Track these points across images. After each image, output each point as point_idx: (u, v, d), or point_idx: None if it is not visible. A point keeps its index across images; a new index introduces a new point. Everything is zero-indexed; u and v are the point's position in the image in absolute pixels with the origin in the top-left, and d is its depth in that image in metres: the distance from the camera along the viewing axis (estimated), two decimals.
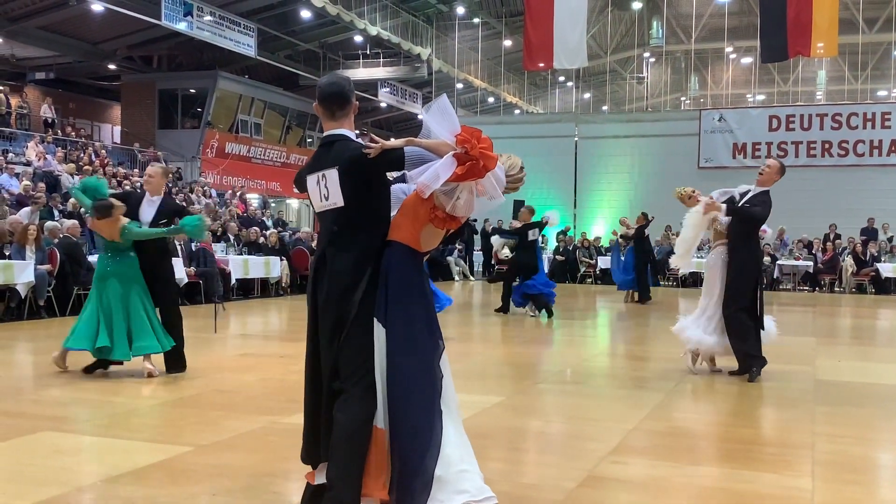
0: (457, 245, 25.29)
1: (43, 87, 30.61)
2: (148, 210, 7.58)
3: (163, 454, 4.78)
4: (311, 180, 3.59)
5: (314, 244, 17.00)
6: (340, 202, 3.48)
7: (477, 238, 26.61)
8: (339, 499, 3.38)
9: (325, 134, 3.63)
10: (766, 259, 21.81)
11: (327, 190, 3.51)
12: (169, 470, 4.50)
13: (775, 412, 6.30)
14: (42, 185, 17.60)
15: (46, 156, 21.35)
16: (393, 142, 3.46)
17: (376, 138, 3.46)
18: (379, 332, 3.45)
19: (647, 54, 37.27)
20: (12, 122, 25.54)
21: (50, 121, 26.89)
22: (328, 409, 3.49)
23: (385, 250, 3.52)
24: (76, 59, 28.54)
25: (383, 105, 34.47)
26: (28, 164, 20.67)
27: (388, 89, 33.88)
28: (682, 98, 41.55)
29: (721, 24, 31.24)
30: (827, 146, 25.79)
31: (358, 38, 30.89)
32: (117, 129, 31.97)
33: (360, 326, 3.45)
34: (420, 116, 3.30)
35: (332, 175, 3.48)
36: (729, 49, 34.36)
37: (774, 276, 22.15)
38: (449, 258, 24.90)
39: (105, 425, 5.57)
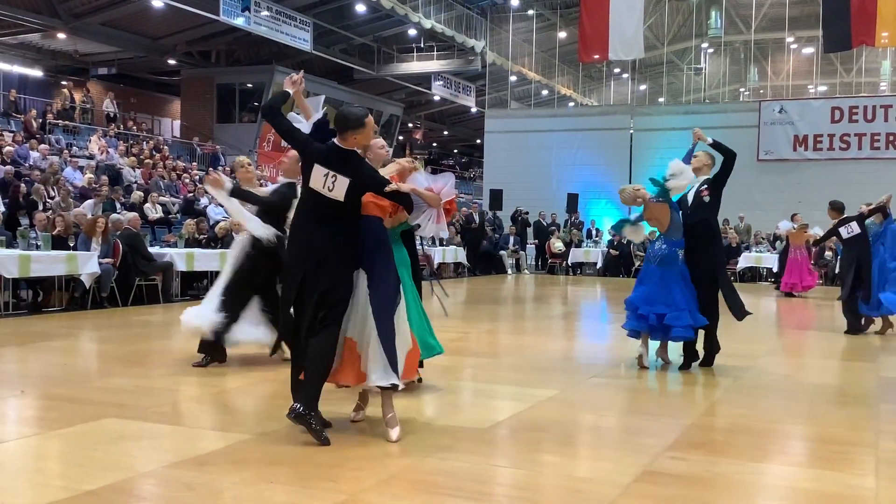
0: (511, 238, 25.25)
1: (105, 82, 31.36)
2: None
3: (223, 441, 4.87)
4: (320, 171, 4.73)
5: None
6: (341, 198, 4.72)
7: (530, 231, 26.51)
8: (306, 395, 4.72)
9: (340, 147, 4.78)
10: (828, 254, 21.31)
11: (333, 185, 4.71)
12: (229, 457, 4.57)
13: (838, 409, 6.17)
14: (105, 177, 18.03)
15: (109, 149, 21.87)
16: (402, 186, 4.90)
17: (395, 180, 4.98)
18: (361, 277, 4.85)
19: (705, 45, 36.58)
20: (76, 117, 26.21)
21: (112, 115, 27.52)
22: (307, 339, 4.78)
23: (361, 224, 4.90)
24: (137, 54, 29.15)
25: (436, 98, 34.53)
26: (91, 157, 21.19)
27: (441, 82, 33.91)
28: (742, 89, 40.71)
29: (782, 13, 30.52)
30: (891, 138, 25.10)
31: (412, 32, 30.97)
32: (177, 123, 32.59)
33: (348, 277, 4.81)
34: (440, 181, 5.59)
35: (344, 181, 4.70)
36: (790, 39, 33.52)
37: (836, 271, 21.59)
38: (502, 252, 24.88)
39: (167, 413, 5.68)
